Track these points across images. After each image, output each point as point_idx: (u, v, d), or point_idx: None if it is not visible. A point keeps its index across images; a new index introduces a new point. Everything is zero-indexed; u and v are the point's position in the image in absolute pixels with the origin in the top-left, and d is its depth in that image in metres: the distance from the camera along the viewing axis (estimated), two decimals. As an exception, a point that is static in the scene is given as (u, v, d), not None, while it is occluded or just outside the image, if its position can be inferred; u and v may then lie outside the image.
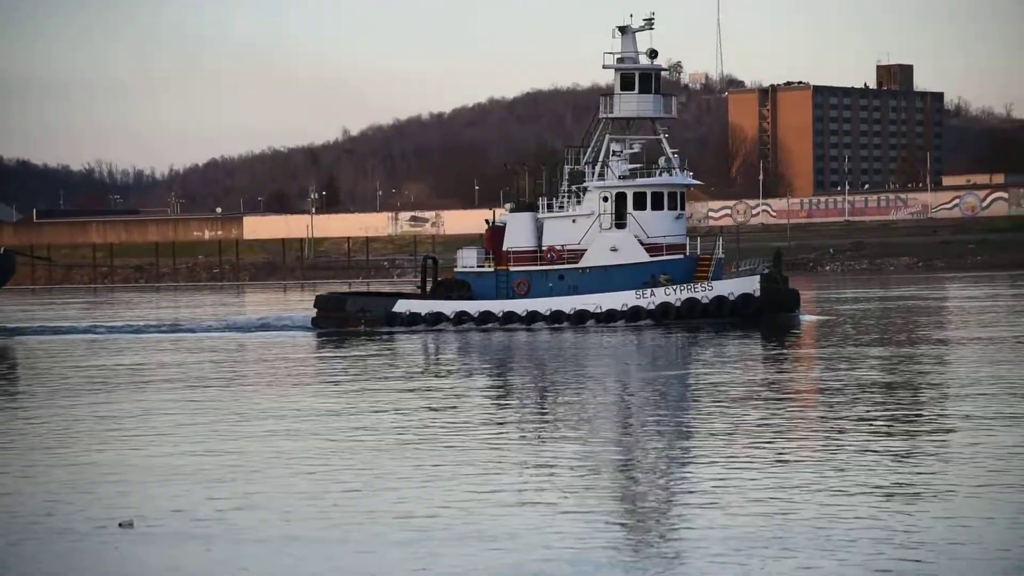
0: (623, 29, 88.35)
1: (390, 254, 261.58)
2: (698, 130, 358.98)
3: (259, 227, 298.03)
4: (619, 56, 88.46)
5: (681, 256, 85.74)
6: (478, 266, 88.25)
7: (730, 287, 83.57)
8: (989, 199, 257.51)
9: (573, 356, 66.32)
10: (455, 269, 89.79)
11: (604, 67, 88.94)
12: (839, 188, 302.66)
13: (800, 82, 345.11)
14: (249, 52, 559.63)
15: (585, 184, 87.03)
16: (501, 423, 41.33)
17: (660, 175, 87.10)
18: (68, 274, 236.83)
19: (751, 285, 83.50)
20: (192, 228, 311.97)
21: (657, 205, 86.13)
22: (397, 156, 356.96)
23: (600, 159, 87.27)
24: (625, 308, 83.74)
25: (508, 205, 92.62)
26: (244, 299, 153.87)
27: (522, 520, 27.16)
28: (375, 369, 61.19)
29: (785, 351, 67.30)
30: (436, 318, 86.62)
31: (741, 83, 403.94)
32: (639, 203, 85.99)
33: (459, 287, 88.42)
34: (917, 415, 40.83)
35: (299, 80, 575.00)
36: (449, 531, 26.49)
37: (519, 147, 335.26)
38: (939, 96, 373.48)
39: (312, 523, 27.57)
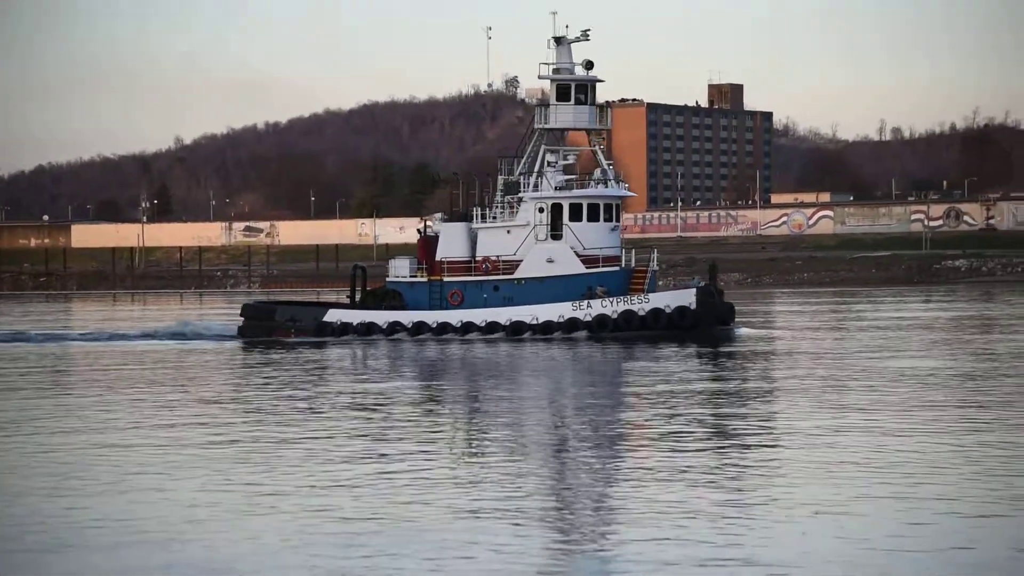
0: (559, 40, 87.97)
1: (224, 264, 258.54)
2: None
3: (88, 236, 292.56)
4: (554, 67, 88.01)
5: (617, 268, 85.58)
6: (411, 276, 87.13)
7: (666, 300, 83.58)
8: (815, 217, 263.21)
9: (512, 368, 65.61)
10: (387, 279, 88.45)
11: (540, 77, 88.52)
12: (672, 204, 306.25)
13: (634, 99, 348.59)
14: (79, 57, 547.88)
15: (520, 195, 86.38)
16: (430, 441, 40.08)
17: (596, 186, 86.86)
18: None
19: (687, 298, 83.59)
20: (18, 236, 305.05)
21: (593, 217, 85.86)
22: (231, 165, 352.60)
23: (536, 169, 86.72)
24: (562, 320, 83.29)
25: (439, 215, 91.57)
26: (72, 308, 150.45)
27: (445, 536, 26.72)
28: (300, 380, 60.08)
29: (721, 364, 66.79)
30: (368, 328, 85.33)
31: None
32: (575, 214, 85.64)
33: (391, 297, 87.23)
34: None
35: (131, 87, 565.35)
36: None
37: (355, 158, 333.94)
38: (768, 115, 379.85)
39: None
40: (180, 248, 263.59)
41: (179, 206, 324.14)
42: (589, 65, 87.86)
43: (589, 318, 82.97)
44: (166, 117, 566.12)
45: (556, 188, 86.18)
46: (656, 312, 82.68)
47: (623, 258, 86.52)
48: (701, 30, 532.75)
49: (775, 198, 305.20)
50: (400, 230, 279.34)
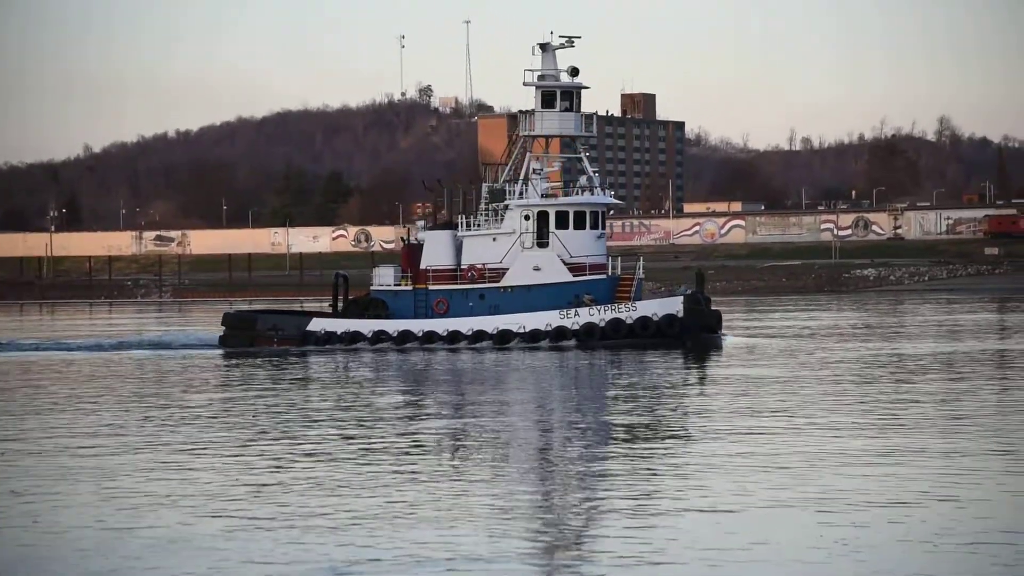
0: (544, 47, 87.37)
1: (134, 274, 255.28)
2: (448, 154, 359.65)
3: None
4: (539, 74, 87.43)
5: (603, 276, 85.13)
6: (395, 284, 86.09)
7: (654, 308, 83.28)
8: (727, 226, 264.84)
9: (502, 377, 65.16)
10: (371, 287, 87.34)
11: (524, 84, 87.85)
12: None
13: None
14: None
15: (506, 202, 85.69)
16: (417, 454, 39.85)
17: (582, 194, 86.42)
18: None
19: (675, 306, 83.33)
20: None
21: (579, 224, 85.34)
22: (142, 174, 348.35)
23: (522, 177, 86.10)
24: (549, 328, 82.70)
25: (421, 223, 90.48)
26: None
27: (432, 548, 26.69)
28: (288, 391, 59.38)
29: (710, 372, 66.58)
30: (353, 337, 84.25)
31: (490, 108, 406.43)
32: (561, 222, 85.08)
33: (375, 306, 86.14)
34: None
35: (39, 93, 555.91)
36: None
37: (267, 167, 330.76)
38: (680, 125, 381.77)
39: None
40: (89, 258, 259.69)
41: (89, 215, 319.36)
42: (574, 72, 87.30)
43: (577, 326, 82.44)
44: (75, 125, 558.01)
45: (542, 195, 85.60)
46: (644, 320, 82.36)
47: (610, 266, 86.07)
48: (613, 40, 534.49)
49: (688, 207, 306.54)
50: (314, 239, 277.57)
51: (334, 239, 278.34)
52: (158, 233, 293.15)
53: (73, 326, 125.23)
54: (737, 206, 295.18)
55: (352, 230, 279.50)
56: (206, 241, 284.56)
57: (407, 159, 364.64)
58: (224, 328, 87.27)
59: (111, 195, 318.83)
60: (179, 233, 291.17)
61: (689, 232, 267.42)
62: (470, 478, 34.63)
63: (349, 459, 38.21)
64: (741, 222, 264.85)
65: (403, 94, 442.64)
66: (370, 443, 41.34)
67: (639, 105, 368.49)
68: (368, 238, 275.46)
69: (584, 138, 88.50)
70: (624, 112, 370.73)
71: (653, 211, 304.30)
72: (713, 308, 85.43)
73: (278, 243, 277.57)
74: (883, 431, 42.30)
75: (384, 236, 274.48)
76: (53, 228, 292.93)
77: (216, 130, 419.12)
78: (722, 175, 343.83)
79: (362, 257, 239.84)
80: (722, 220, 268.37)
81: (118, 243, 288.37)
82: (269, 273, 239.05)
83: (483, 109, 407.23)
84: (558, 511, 30.27)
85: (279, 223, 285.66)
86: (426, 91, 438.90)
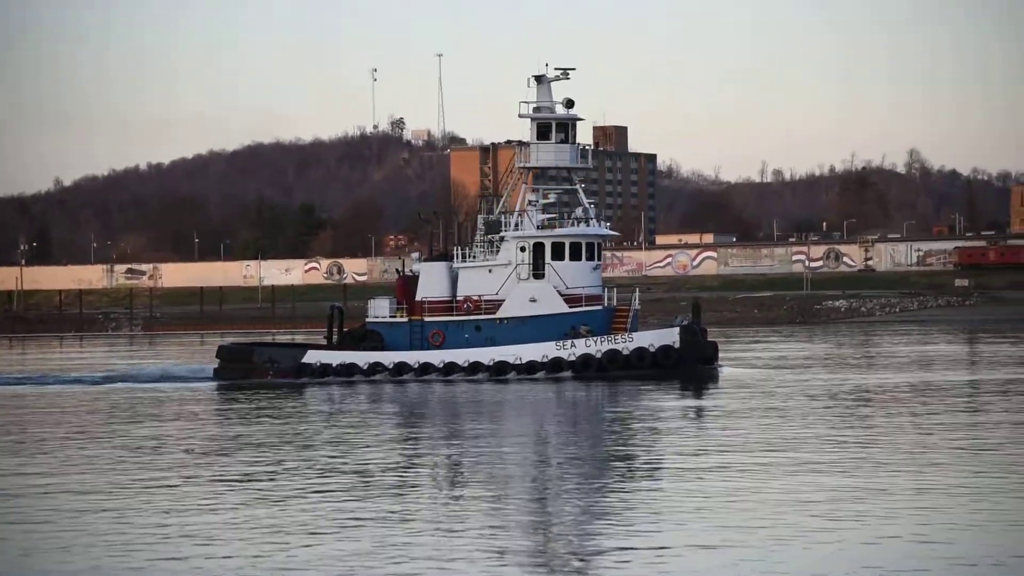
0: (539, 79, 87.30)
1: (105, 307, 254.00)
2: (420, 186, 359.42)
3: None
4: (535, 105, 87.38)
5: (600, 307, 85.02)
6: (390, 316, 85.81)
7: (650, 339, 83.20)
8: (699, 258, 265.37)
9: (497, 409, 65.01)
10: (366, 319, 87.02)
11: (520, 116, 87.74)
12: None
13: (520, 141, 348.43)
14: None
15: (502, 234, 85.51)
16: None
17: (577, 225, 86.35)
18: None
19: (671, 337, 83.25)
20: None
21: (575, 255, 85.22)
22: (113, 207, 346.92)
23: (517, 208, 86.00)
24: (546, 360, 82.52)
25: (415, 254, 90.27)
26: None
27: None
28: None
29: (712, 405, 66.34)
30: (349, 369, 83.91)
31: (463, 140, 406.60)
32: (557, 253, 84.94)
33: (370, 337, 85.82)
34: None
35: (9, 126, 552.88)
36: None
37: (239, 200, 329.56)
38: (652, 157, 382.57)
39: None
40: (60, 291, 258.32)
41: (59, 249, 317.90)
42: (570, 104, 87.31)
43: (574, 358, 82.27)
44: (45, 158, 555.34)
45: (537, 227, 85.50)
46: (640, 351, 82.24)
47: (605, 297, 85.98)
48: (585, 73, 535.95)
49: (660, 239, 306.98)
50: (286, 272, 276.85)
51: (306, 271, 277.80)
52: (129, 266, 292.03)
53: (71, 359, 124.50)
54: (709, 238, 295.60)
55: (324, 262, 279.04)
56: (178, 274, 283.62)
57: (380, 191, 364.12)
58: (219, 360, 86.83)
59: (82, 228, 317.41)
60: (150, 266, 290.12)
61: (661, 264, 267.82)
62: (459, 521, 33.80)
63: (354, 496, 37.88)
64: (713, 254, 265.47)
65: (375, 127, 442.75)
66: (366, 481, 40.72)
67: (611, 138, 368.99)
68: (340, 270, 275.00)
69: (580, 170, 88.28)
70: (596, 144, 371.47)
71: (625, 243, 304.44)
72: (710, 339, 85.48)
73: (250, 276, 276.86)
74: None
75: (356, 268, 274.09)
76: (24, 262, 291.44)
77: (187, 163, 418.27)
78: (694, 207, 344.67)
79: (334, 289, 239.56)
80: (694, 252, 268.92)
81: (89, 276, 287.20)
82: (241, 306, 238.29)
83: (455, 141, 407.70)
84: (548, 555, 29.82)
85: (251, 256, 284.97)
86: (398, 124, 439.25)
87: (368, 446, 49.69)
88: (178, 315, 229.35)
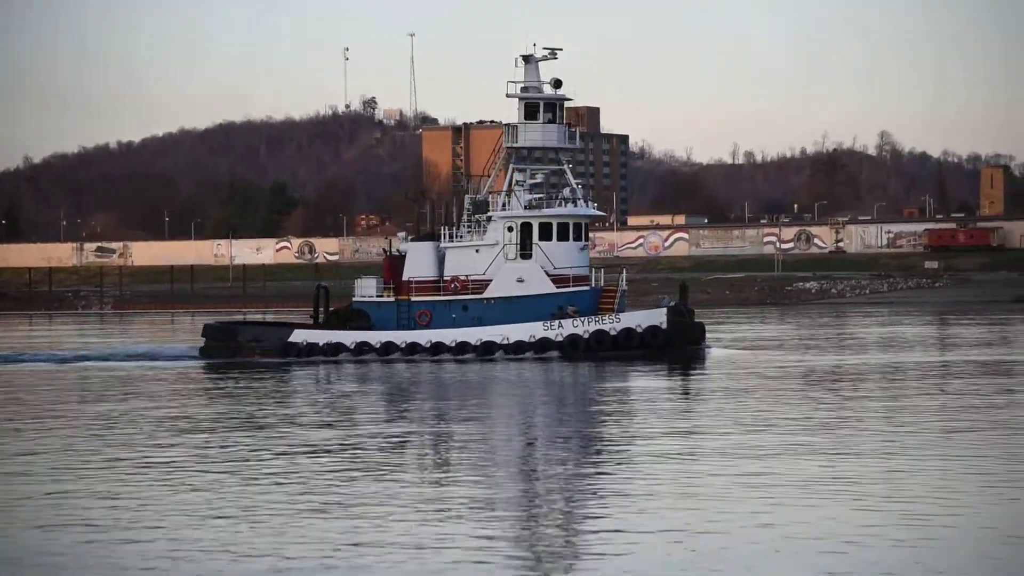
0: (527, 58, 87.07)
1: (75, 285, 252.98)
2: (392, 165, 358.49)
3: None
4: (522, 85, 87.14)
5: (587, 287, 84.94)
6: (377, 296, 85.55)
7: (638, 319, 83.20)
8: (671, 239, 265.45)
9: (485, 389, 64.94)
10: (353, 298, 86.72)
11: (508, 96, 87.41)
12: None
13: (492, 121, 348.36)
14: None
15: (489, 214, 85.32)
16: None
17: (565, 205, 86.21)
18: None
19: (658, 317, 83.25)
20: None
21: (563, 236, 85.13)
22: (83, 185, 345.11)
23: (505, 188, 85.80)
24: (533, 340, 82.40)
25: (402, 234, 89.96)
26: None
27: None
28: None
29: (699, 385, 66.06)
30: (335, 349, 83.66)
31: (435, 120, 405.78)
32: (545, 234, 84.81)
33: (357, 317, 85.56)
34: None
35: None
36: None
37: (210, 179, 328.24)
38: (624, 138, 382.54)
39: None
40: (29, 269, 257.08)
41: (28, 226, 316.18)
42: (557, 84, 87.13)
43: (561, 338, 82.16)
44: (14, 135, 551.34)
45: (525, 207, 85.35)
46: (628, 332, 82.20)
47: (593, 277, 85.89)
48: (557, 53, 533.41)
49: (632, 220, 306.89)
50: (257, 251, 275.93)
51: (278, 251, 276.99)
52: (99, 244, 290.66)
53: (56, 337, 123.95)
54: (681, 219, 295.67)
55: (296, 242, 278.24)
56: (148, 253, 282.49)
57: (351, 171, 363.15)
58: (205, 339, 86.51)
59: (51, 206, 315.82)
60: (121, 245, 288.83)
61: (633, 245, 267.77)
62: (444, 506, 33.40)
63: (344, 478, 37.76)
64: (685, 235, 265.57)
65: (347, 106, 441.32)
66: (353, 462, 40.46)
67: (583, 118, 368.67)
68: (312, 250, 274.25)
69: (567, 150, 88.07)
70: (569, 125, 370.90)
71: (597, 224, 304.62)
72: (696, 320, 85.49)
73: (221, 255, 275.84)
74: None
75: (328, 248, 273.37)
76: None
77: (158, 141, 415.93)
78: (666, 188, 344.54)
79: (305, 269, 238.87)
80: (666, 233, 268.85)
81: (59, 254, 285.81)
82: (212, 285, 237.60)
83: (427, 121, 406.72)
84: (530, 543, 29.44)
85: (222, 235, 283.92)
86: (370, 103, 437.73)
87: (354, 425, 49.57)
88: (148, 294, 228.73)
